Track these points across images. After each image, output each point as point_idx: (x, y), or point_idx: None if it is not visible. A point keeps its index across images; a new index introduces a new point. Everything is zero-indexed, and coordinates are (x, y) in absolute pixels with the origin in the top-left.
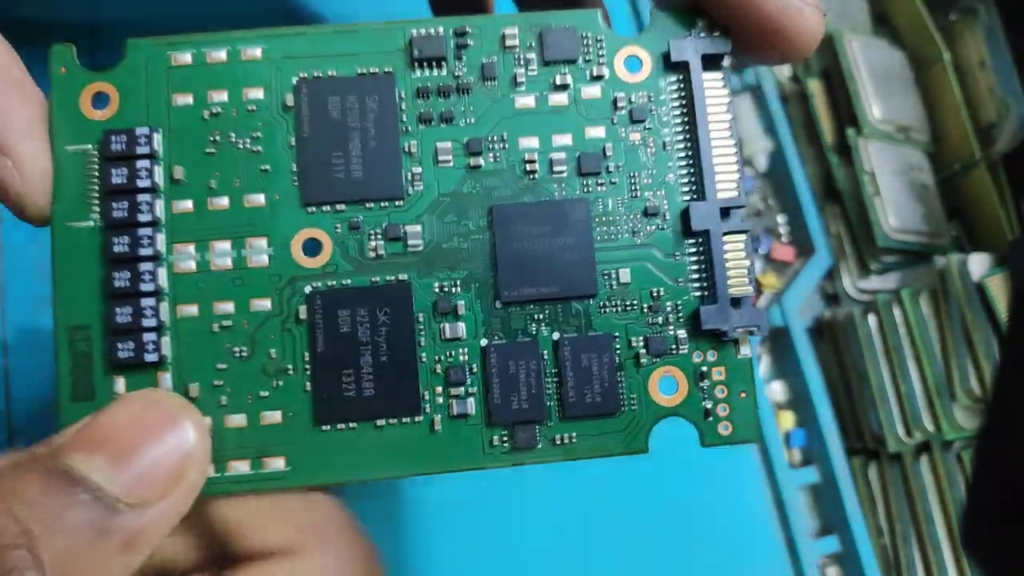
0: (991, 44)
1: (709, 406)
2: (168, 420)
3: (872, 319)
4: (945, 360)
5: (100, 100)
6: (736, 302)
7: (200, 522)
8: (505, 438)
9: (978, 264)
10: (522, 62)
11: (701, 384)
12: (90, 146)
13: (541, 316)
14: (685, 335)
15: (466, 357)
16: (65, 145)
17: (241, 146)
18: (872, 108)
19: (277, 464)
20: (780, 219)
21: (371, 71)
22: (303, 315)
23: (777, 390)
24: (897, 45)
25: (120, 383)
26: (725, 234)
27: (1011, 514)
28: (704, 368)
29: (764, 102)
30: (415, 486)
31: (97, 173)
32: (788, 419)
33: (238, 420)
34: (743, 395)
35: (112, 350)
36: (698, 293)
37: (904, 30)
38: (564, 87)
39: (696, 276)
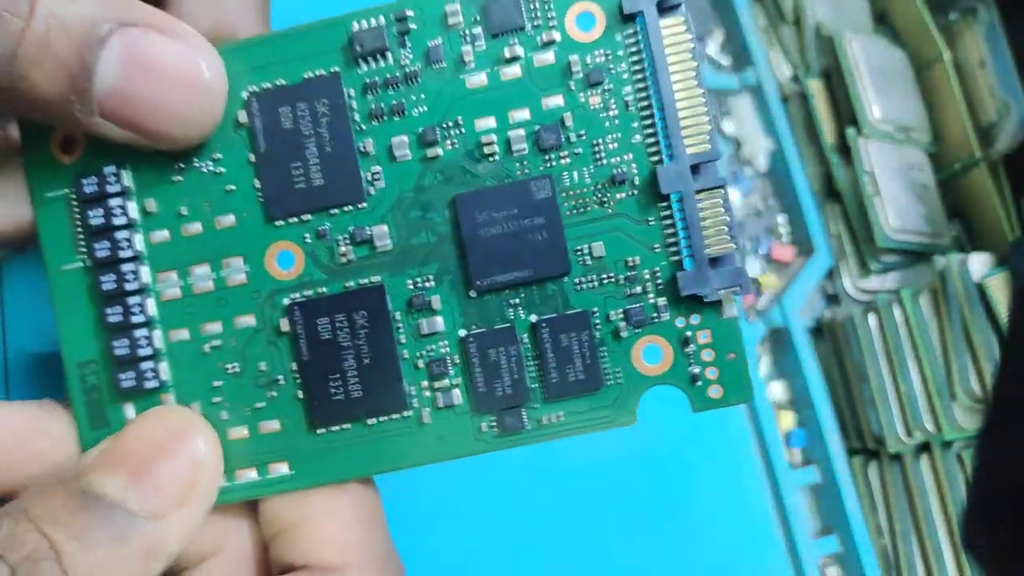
0: (991, 44)
1: (696, 371)
2: (178, 435)
3: (872, 319)
4: (945, 360)
5: (69, 143)
6: (715, 261)
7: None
8: (493, 424)
9: (978, 264)
10: (468, 39)
11: (686, 350)
12: (67, 190)
13: (517, 300)
14: (665, 302)
15: (447, 349)
16: (45, 193)
17: (205, 169)
18: (872, 108)
19: (282, 469)
20: (780, 219)
21: (317, 74)
22: (284, 327)
23: (777, 390)
24: (897, 45)
25: (130, 409)
26: (699, 192)
27: (1011, 514)
28: (688, 333)
29: (764, 102)
30: (406, 476)
31: (78, 215)
32: (788, 419)
33: (240, 432)
34: (731, 356)
35: (116, 381)
36: (676, 258)
37: (904, 30)
38: (515, 59)
39: (671, 241)
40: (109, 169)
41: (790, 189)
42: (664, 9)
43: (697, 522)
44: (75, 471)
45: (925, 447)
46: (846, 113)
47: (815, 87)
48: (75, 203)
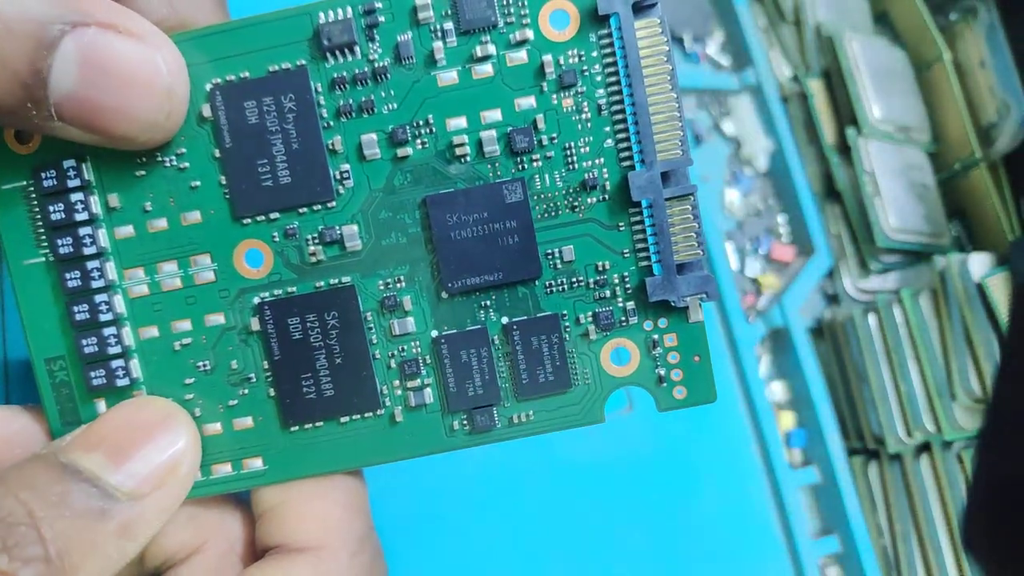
0: (991, 44)
1: (663, 372)
2: (159, 421)
3: (872, 319)
4: (945, 360)
5: (23, 134)
6: (683, 267)
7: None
8: (465, 422)
9: (978, 264)
10: (439, 34)
11: (653, 352)
12: (24, 182)
13: (488, 303)
14: (634, 306)
15: (419, 350)
16: (1, 185)
17: (168, 164)
18: (872, 108)
19: (256, 464)
20: (780, 219)
21: (283, 67)
22: (255, 326)
23: (777, 390)
24: (897, 45)
25: (102, 405)
26: (669, 199)
27: (1011, 514)
28: (655, 336)
29: (764, 102)
30: (398, 474)
31: (38, 210)
32: (788, 419)
33: (214, 428)
34: (697, 359)
35: (87, 378)
36: (645, 263)
37: (904, 30)
38: (487, 57)
39: (641, 247)
40: (69, 163)
41: (790, 189)
42: (639, 10)
43: (697, 522)
44: (53, 447)
45: (925, 447)
46: (846, 113)
47: (815, 87)
48: (34, 196)
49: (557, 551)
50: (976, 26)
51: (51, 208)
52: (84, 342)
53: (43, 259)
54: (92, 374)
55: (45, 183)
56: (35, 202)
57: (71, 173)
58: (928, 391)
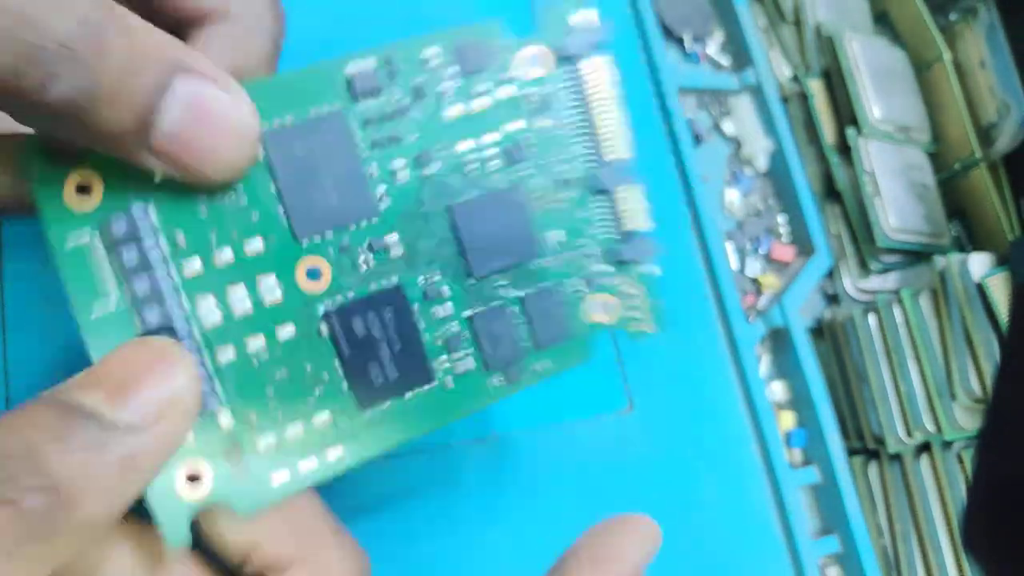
0: (991, 44)
1: (631, 315)
2: (158, 357)
3: (872, 319)
4: (945, 360)
5: (83, 190)
6: (632, 235)
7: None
8: (502, 378)
9: (978, 264)
10: (446, 77)
11: (623, 300)
12: (87, 237)
13: (506, 282)
14: (607, 268)
15: (457, 328)
16: (66, 243)
17: (228, 201)
18: (872, 108)
19: (336, 453)
20: (780, 219)
21: (324, 111)
22: (324, 331)
23: (777, 390)
24: (897, 45)
25: (188, 433)
26: (619, 187)
27: (1011, 514)
28: (622, 288)
29: (764, 102)
30: (388, 476)
31: (107, 259)
32: (788, 419)
33: (296, 429)
34: (648, 299)
35: None
36: (609, 235)
37: (904, 30)
38: (484, 92)
39: (606, 224)
40: (138, 207)
41: (790, 189)
42: (595, 51)
43: (697, 521)
44: (52, 391)
45: (925, 447)
46: (846, 113)
47: (815, 87)
48: (104, 246)
49: (557, 551)
50: (976, 26)
51: (124, 253)
52: None
53: (115, 306)
54: None
55: (115, 229)
56: (102, 252)
57: (140, 217)
58: (928, 391)
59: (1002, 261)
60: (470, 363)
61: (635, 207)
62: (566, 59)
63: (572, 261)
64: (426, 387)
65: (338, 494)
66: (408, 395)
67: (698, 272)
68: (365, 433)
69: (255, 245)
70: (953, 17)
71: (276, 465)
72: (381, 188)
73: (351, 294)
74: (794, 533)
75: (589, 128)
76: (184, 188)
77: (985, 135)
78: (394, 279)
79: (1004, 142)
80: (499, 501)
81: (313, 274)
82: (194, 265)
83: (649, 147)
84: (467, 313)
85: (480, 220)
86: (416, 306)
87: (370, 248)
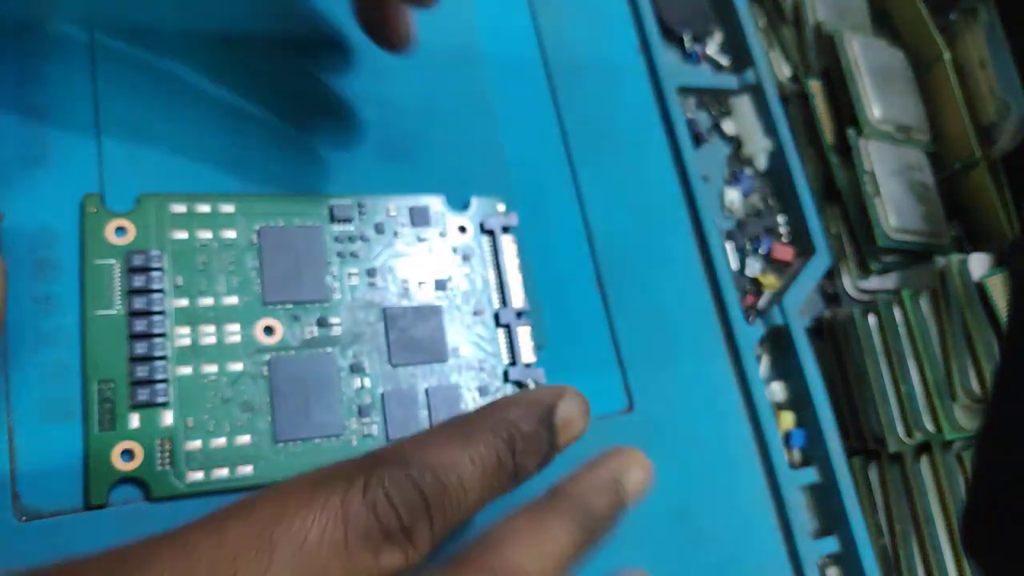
0: (991, 44)
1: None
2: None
3: (872, 319)
4: (945, 360)
5: (120, 231)
6: (528, 365)
7: None
8: None
9: (978, 264)
10: (399, 223)
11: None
12: (113, 261)
13: (418, 373)
14: (501, 383)
15: (370, 400)
16: (95, 260)
17: (220, 266)
18: (872, 108)
19: (247, 470)
20: (780, 219)
21: (307, 224)
22: (265, 372)
23: (777, 390)
24: (897, 45)
25: (135, 418)
26: (520, 326)
27: (1011, 514)
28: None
29: (764, 102)
30: None
31: (119, 280)
32: (788, 419)
33: (219, 442)
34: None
35: (134, 395)
36: (507, 360)
37: (904, 30)
38: (424, 239)
39: (505, 350)
40: (155, 252)
41: (790, 189)
42: (504, 229)
43: (696, 521)
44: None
45: (925, 447)
46: (846, 113)
47: (815, 87)
48: (118, 271)
49: None
50: (976, 26)
51: (135, 278)
52: (138, 368)
53: (115, 311)
54: (139, 391)
55: (135, 262)
56: (118, 274)
57: (155, 258)
58: (928, 391)
59: (1002, 261)
60: (375, 430)
61: (526, 342)
62: (485, 232)
63: (474, 372)
64: (334, 440)
65: None
66: (318, 441)
67: (698, 272)
68: (275, 460)
69: (231, 300)
70: (953, 17)
71: (195, 465)
72: (336, 284)
73: (293, 352)
74: (794, 533)
75: (499, 279)
76: (192, 249)
77: (985, 135)
78: (329, 349)
79: (1004, 142)
80: (499, 501)
81: (268, 331)
82: (182, 302)
83: (649, 147)
84: (381, 390)
85: (406, 323)
86: (342, 373)
87: (318, 323)
